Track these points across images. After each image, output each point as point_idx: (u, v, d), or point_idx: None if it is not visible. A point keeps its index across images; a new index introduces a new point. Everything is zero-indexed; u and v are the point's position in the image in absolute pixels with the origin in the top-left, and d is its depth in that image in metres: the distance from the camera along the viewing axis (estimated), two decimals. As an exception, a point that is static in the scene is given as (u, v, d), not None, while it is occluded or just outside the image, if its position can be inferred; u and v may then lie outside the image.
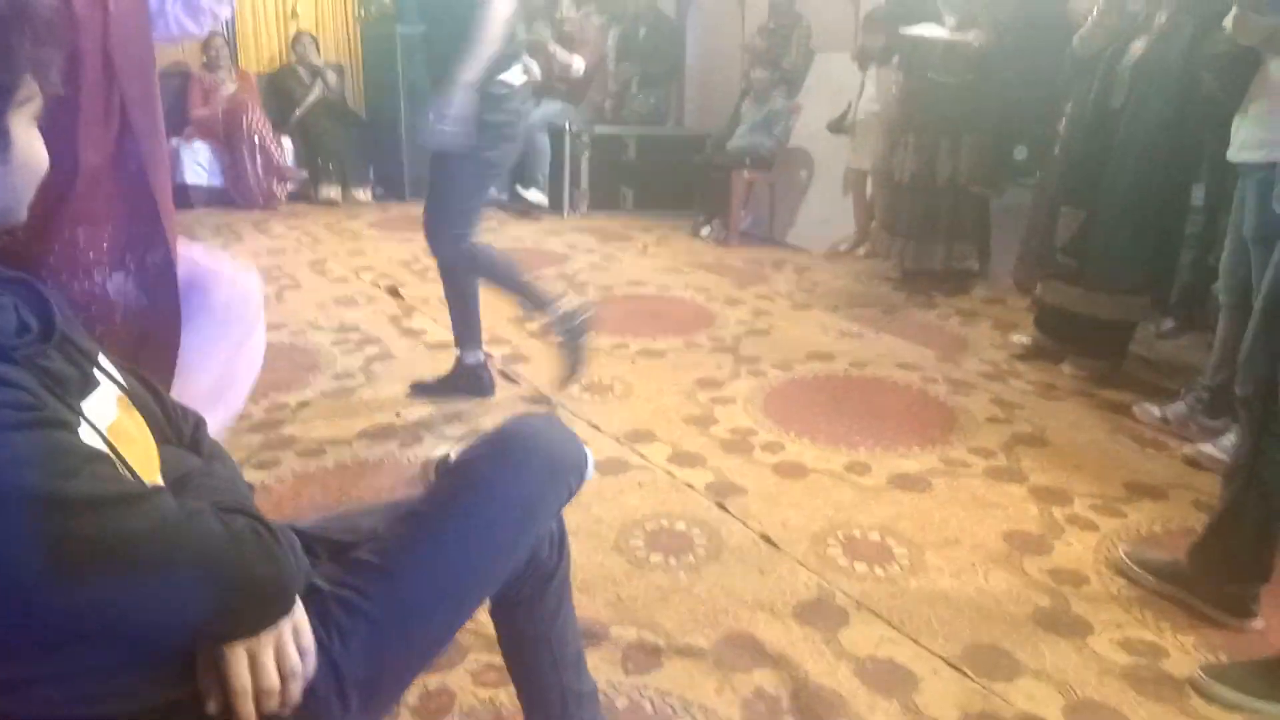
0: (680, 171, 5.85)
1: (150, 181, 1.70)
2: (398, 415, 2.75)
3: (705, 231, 5.40)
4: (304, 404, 2.82)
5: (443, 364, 3.16)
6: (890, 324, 3.76)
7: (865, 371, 3.19)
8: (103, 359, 0.94)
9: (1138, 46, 2.84)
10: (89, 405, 0.84)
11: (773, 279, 4.47)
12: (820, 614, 1.84)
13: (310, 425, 2.68)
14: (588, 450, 1.27)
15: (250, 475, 2.35)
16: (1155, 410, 2.76)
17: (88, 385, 0.87)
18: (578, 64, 5.76)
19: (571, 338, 2.75)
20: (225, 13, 1.91)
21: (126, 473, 0.81)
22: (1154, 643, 1.77)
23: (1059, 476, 2.44)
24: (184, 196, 5.69)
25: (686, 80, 6.69)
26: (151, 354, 1.75)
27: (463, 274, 2.83)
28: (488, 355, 2.99)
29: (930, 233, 4.05)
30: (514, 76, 2.63)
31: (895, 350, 3.42)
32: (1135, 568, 1.93)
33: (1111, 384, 3.06)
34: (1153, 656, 1.73)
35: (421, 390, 2.91)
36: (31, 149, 0.82)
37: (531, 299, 2.80)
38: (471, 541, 1.01)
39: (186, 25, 1.84)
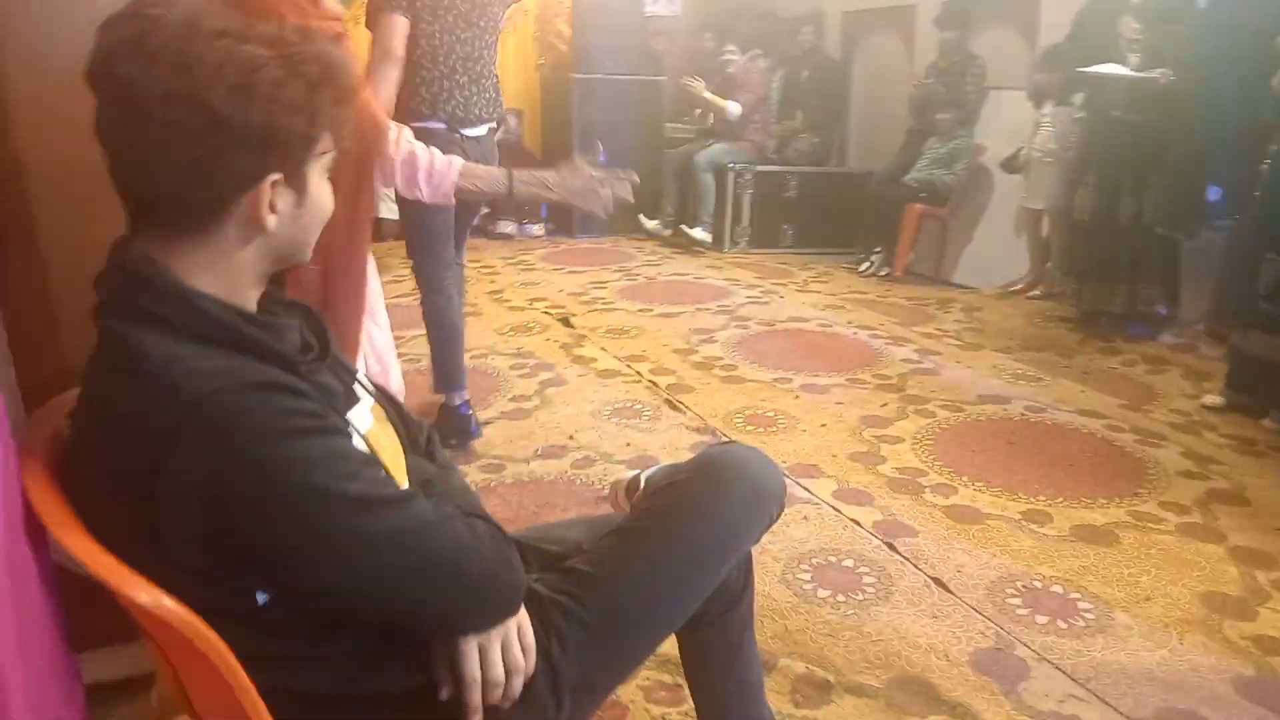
0: (840, 209, 5.84)
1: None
2: (570, 438, 2.89)
3: (864, 267, 5.35)
4: (485, 423, 3.01)
5: (612, 390, 3.30)
6: (1068, 369, 3.59)
7: (1043, 416, 3.07)
8: (361, 376, 1.08)
9: None
10: (354, 416, 0.97)
11: (939, 318, 4.37)
12: (999, 664, 1.79)
13: (490, 442, 2.85)
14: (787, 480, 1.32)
15: (438, 487, 2.55)
16: (1377, 472, 2.51)
17: (351, 399, 1.00)
18: (733, 108, 5.90)
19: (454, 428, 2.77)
20: (420, 190, 1.80)
21: (386, 473, 0.94)
22: (1380, 725, 1.61)
23: (1262, 538, 2.26)
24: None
25: (850, 120, 6.67)
26: None
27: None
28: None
29: (1110, 274, 3.88)
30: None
31: (1075, 396, 3.27)
32: (1358, 643, 1.77)
33: (1322, 440, 2.81)
34: (1379, 740, 1.58)
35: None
36: (323, 196, 0.94)
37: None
38: (680, 559, 1.08)
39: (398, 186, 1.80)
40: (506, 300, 4.62)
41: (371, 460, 0.88)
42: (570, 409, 3.13)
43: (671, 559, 1.07)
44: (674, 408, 3.15)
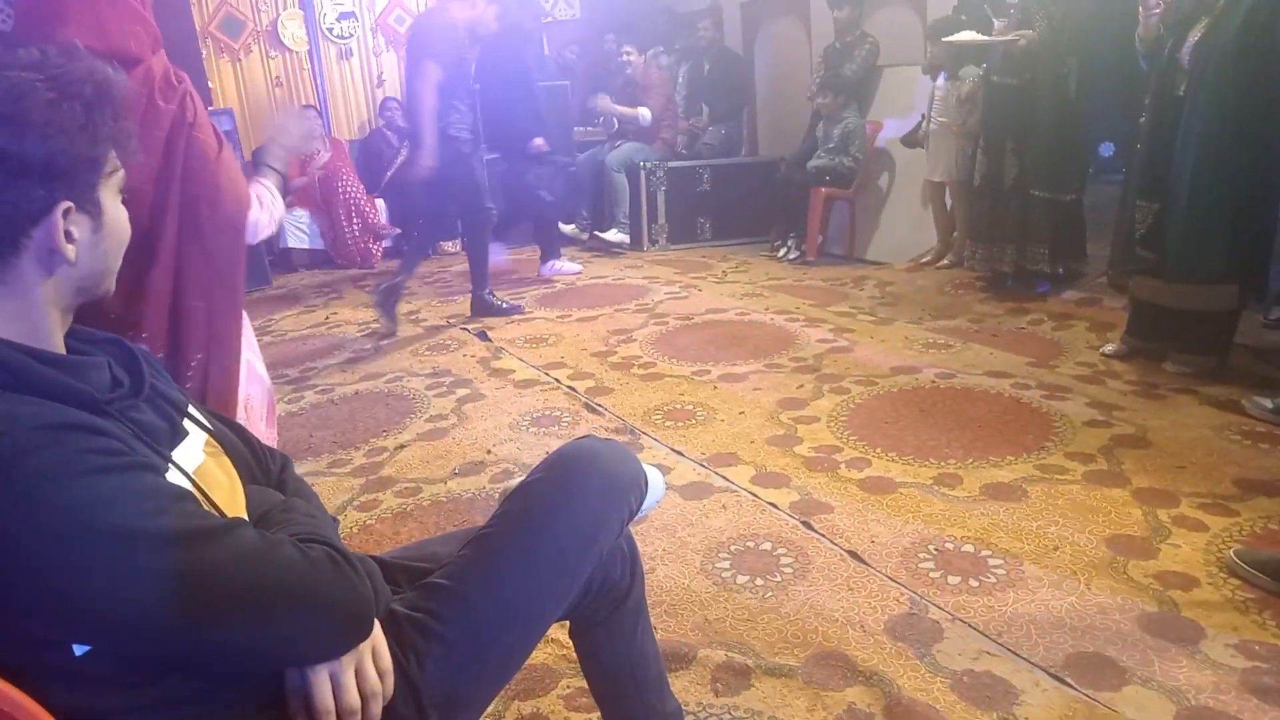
0: (755, 198, 5.89)
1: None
2: (488, 452, 2.84)
3: (782, 252, 5.41)
4: (401, 446, 2.95)
5: (530, 400, 3.27)
6: (978, 333, 3.67)
7: (953, 382, 3.12)
8: (193, 409, 1.03)
9: (1196, 32, 2.74)
10: (179, 453, 0.92)
11: (854, 295, 4.43)
12: (913, 629, 1.80)
13: (407, 466, 2.80)
14: (657, 471, 1.30)
15: (353, 516, 2.48)
16: (1267, 402, 2.61)
17: (177, 435, 0.95)
18: (644, 114, 5.91)
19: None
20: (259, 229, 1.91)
21: (212, 510, 0.89)
22: (1275, 645, 1.66)
23: (1164, 478, 2.33)
24: (287, 261, 6.06)
25: (757, 109, 6.73)
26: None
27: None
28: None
29: (999, 235, 3.98)
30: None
31: (984, 359, 3.34)
32: (1248, 568, 1.83)
33: (1218, 379, 2.91)
34: (1275, 660, 1.63)
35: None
36: (119, 218, 0.91)
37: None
38: (535, 562, 1.05)
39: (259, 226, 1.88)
40: (423, 320, 4.55)
41: (185, 495, 0.84)
42: (488, 423, 3.09)
43: (526, 563, 1.05)
44: (593, 411, 3.13)
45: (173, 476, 0.86)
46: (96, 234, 0.87)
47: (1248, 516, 2.11)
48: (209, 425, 1.04)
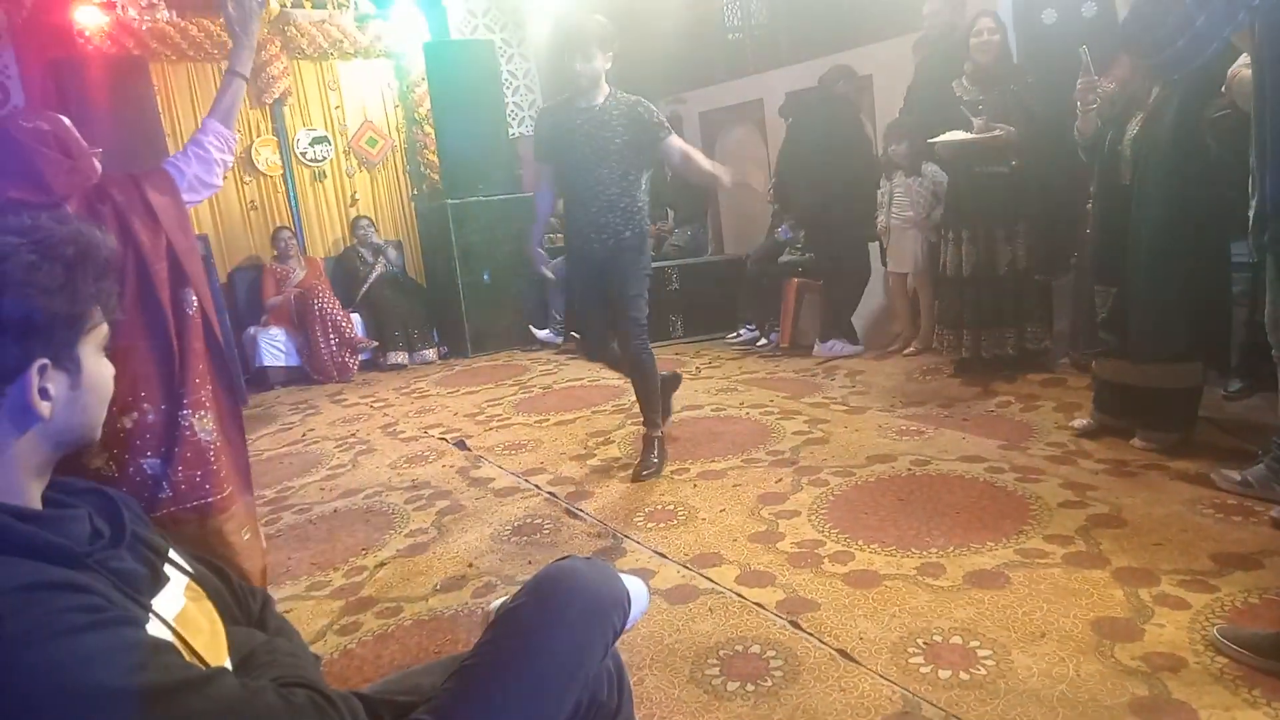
0: (723, 294, 6.04)
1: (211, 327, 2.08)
2: (470, 566, 2.81)
3: (751, 338, 5.53)
4: (381, 564, 2.91)
5: (511, 508, 3.26)
6: (949, 418, 3.73)
7: (929, 469, 3.16)
8: (173, 553, 1.04)
9: (1135, 123, 2.92)
10: (159, 601, 0.93)
11: (826, 386, 4.50)
12: (907, 728, 1.78)
13: (388, 585, 2.76)
14: (639, 581, 1.31)
15: (333, 640, 2.43)
16: (1235, 475, 2.67)
17: (158, 581, 0.96)
18: None
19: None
20: (229, 159, 2.20)
21: (193, 658, 0.89)
22: (1267, 724, 1.66)
23: (1142, 556, 2.35)
24: (263, 379, 6.06)
25: (720, 211, 6.97)
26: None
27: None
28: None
29: (998, 320, 4.06)
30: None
31: (957, 444, 3.39)
32: (1234, 646, 1.84)
33: (1185, 454, 2.97)
34: (1268, 740, 1.62)
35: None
36: (100, 373, 0.93)
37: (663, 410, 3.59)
38: (519, 694, 1.05)
39: (208, 181, 2.15)
40: (400, 432, 4.54)
41: (165, 647, 0.84)
42: (469, 535, 3.06)
43: (511, 695, 1.04)
44: (574, 516, 3.12)
45: (154, 627, 0.86)
46: (74, 390, 0.89)
47: (1227, 591, 2.13)
48: (189, 569, 1.04)
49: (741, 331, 5.70)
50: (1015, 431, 3.47)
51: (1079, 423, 3.33)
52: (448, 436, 4.33)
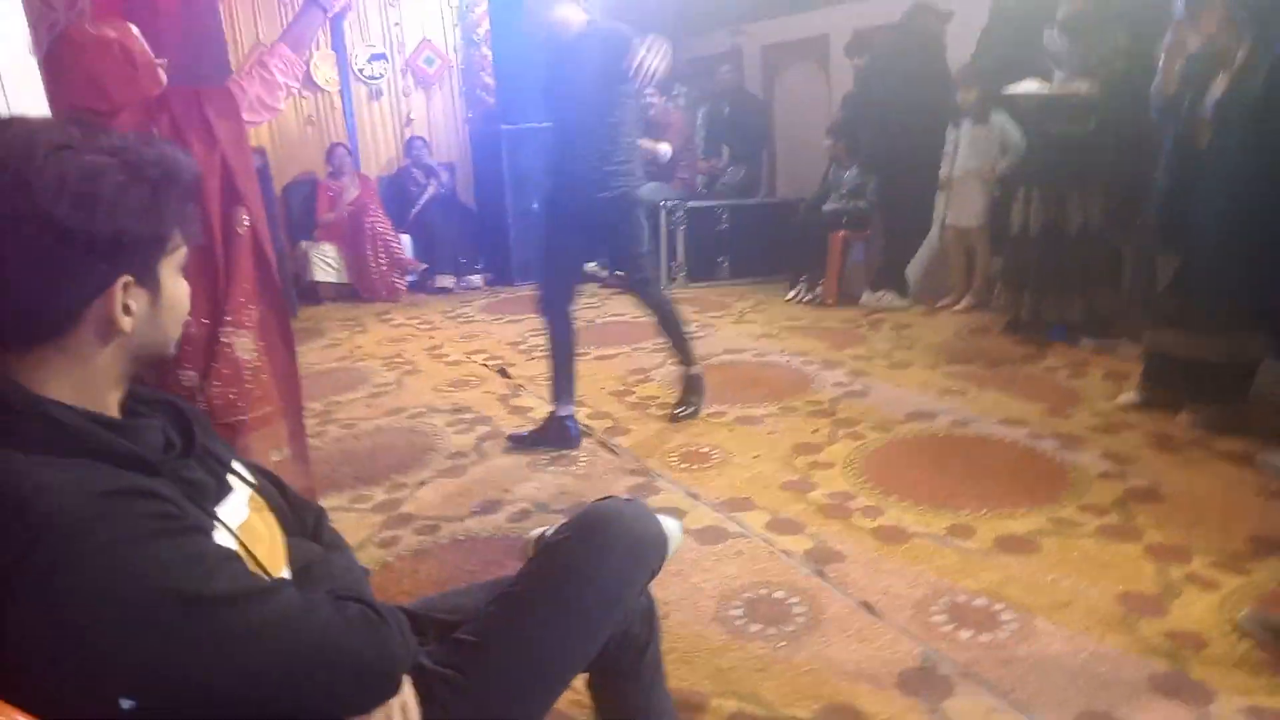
0: (773, 238, 5.97)
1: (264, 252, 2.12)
2: (507, 491, 2.89)
3: (796, 293, 5.44)
4: (421, 483, 3.01)
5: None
6: (994, 379, 3.69)
7: (968, 430, 3.14)
8: (236, 464, 1.09)
9: (1219, 85, 2.78)
10: (224, 509, 0.98)
11: (870, 339, 4.46)
12: (925, 684, 1.82)
13: (427, 503, 2.85)
14: (675, 521, 1.34)
15: (372, 552, 2.53)
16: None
17: (223, 491, 1.01)
18: (664, 150, 6.00)
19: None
20: (294, 85, 2.22)
21: (256, 568, 0.94)
22: (1286, 710, 1.67)
23: (1176, 533, 2.34)
24: (314, 293, 6.19)
25: (776, 151, 6.84)
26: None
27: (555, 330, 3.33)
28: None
29: (1064, 284, 3.96)
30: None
31: (1000, 406, 3.36)
32: (1260, 630, 1.84)
33: (1233, 432, 2.91)
34: (1285, 725, 1.64)
35: (517, 441, 3.25)
36: (178, 294, 0.96)
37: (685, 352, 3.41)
38: (560, 622, 1.10)
39: (269, 103, 2.16)
40: (445, 355, 4.62)
41: (232, 556, 0.89)
42: (507, 461, 3.14)
43: (552, 623, 1.09)
44: (610, 451, 3.17)
45: (220, 536, 0.92)
46: (154, 308, 0.92)
47: (1260, 576, 2.12)
48: (252, 480, 1.10)
49: (800, 290, 5.53)
50: (1060, 397, 3.43)
51: (1125, 397, 3.28)
52: (490, 363, 4.39)
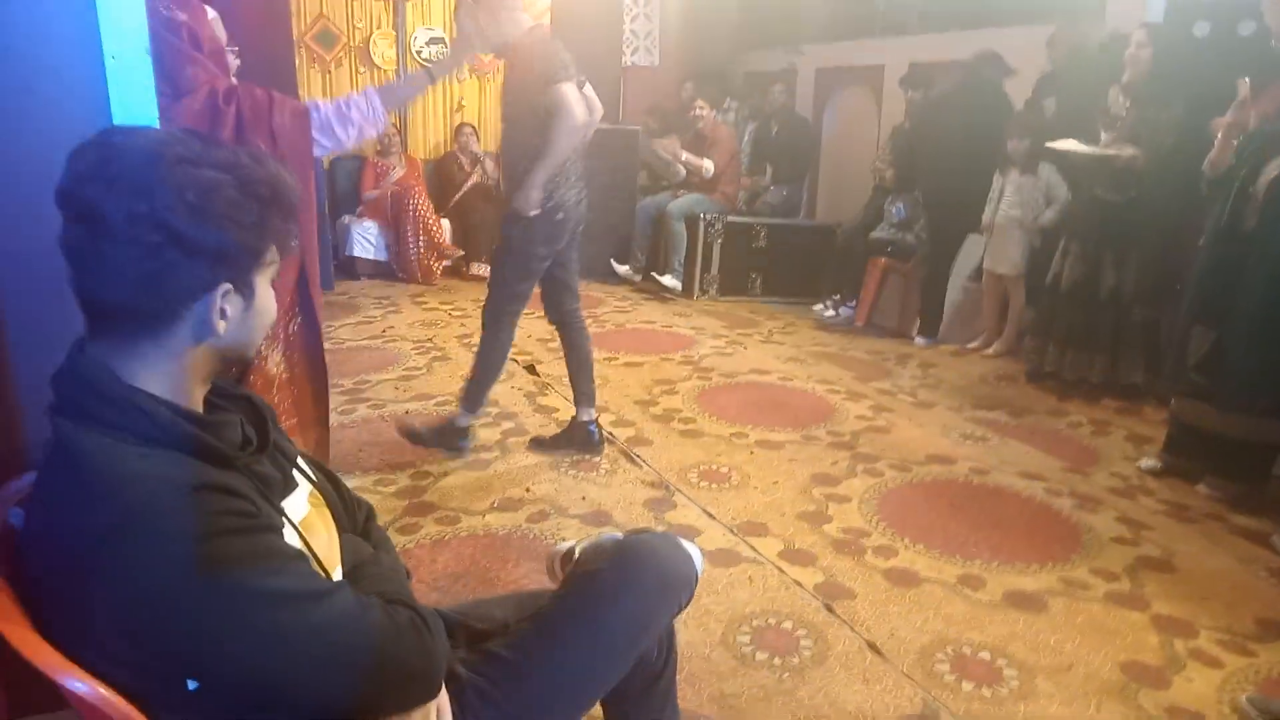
0: (808, 261, 6.01)
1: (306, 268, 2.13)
2: (527, 490, 2.95)
3: (830, 313, 5.46)
4: (445, 473, 3.07)
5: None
6: (1016, 429, 3.70)
7: (987, 479, 3.17)
8: (301, 460, 1.15)
9: (1273, 166, 2.78)
10: (289, 504, 1.04)
11: (896, 373, 4.49)
12: (922, 729, 1.86)
13: (449, 494, 2.91)
14: (698, 553, 1.39)
15: (393, 537, 2.59)
16: (1299, 543, 2.63)
17: (289, 486, 1.07)
18: (708, 165, 6.06)
19: (445, 441, 3.22)
20: (369, 131, 2.20)
21: (316, 565, 1.00)
22: (1277, 799, 1.70)
23: (1185, 606, 2.36)
24: (351, 268, 6.28)
25: (820, 174, 6.87)
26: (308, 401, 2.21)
27: (576, 337, 3.31)
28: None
29: (1090, 344, 3.99)
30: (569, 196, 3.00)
31: (1020, 457, 3.38)
32: (1261, 716, 1.86)
33: (1249, 509, 2.92)
34: (1275, 813, 1.66)
35: (538, 445, 3.29)
36: (268, 302, 1.02)
37: (471, 400, 3.24)
38: (591, 648, 1.16)
39: (337, 133, 2.14)
40: (475, 344, 4.67)
41: (299, 555, 0.95)
42: (530, 460, 3.20)
43: (582, 647, 1.15)
44: (631, 461, 3.23)
45: (287, 532, 0.98)
46: (246, 313, 0.98)
47: (1265, 659, 2.14)
48: (313, 476, 1.16)
49: (828, 305, 5.56)
50: (1081, 455, 3.44)
51: (1147, 462, 3.29)
52: (518, 359, 4.45)
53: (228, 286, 0.94)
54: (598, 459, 3.23)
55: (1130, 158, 3.71)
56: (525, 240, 2.98)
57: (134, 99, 1.35)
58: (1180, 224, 3.76)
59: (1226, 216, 2.93)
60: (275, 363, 2.16)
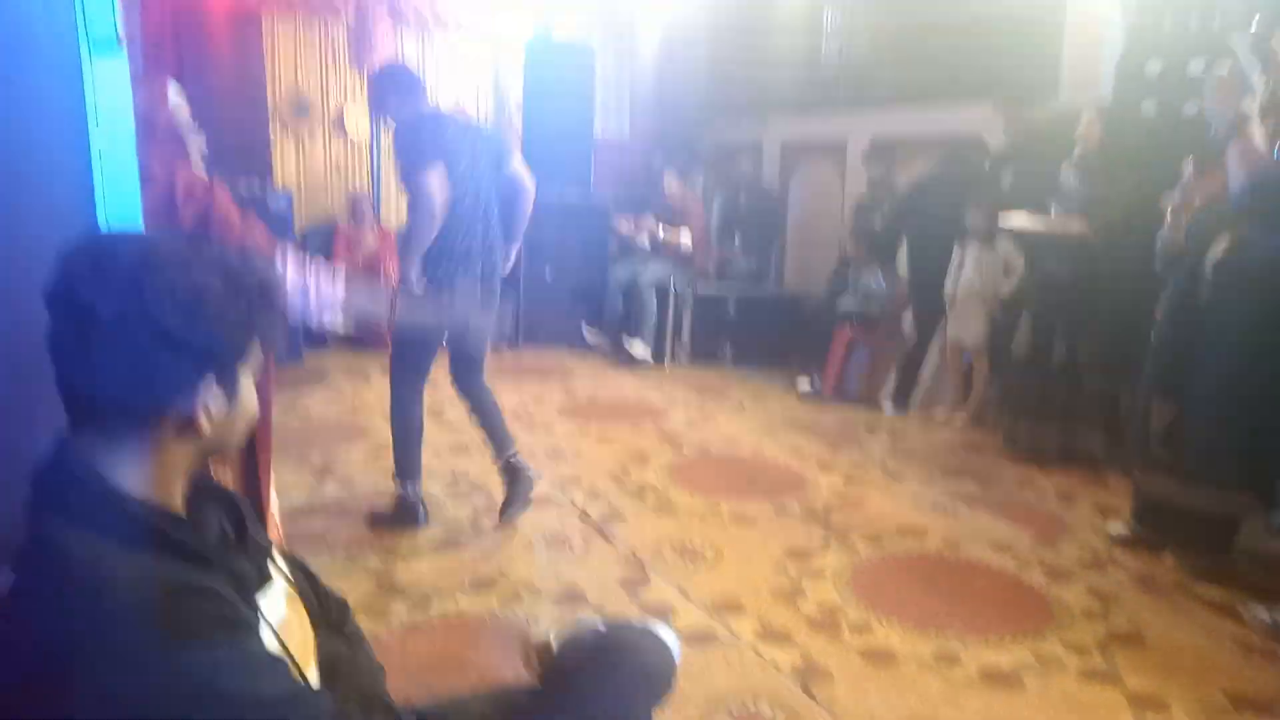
0: (777, 329, 6.11)
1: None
2: (501, 572, 2.92)
3: (807, 389, 5.52)
4: (414, 551, 3.03)
5: (544, 517, 3.36)
6: (984, 500, 3.75)
7: (958, 551, 3.19)
8: (275, 553, 1.14)
9: (1219, 245, 2.90)
10: (265, 600, 1.03)
11: (866, 443, 4.54)
12: (902, 817, 1.84)
13: (419, 574, 2.87)
14: (675, 641, 1.39)
15: (363, 622, 2.51)
16: (1264, 614, 2.67)
17: (264, 581, 1.06)
18: (686, 239, 6.19)
19: (401, 519, 3.23)
20: (316, 305, 2.14)
21: (292, 665, 0.99)
22: None
23: (1156, 681, 2.38)
24: (319, 337, 6.24)
25: (787, 244, 7.03)
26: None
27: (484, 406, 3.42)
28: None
29: (1043, 414, 4.10)
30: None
31: (990, 529, 3.42)
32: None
33: (1215, 580, 2.97)
34: None
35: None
36: (250, 396, 1.03)
37: (401, 468, 3.28)
38: None
39: (290, 275, 2.08)
40: (445, 417, 4.66)
41: (277, 659, 0.94)
42: (502, 537, 3.17)
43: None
44: (604, 538, 3.21)
45: (264, 632, 0.97)
46: (230, 409, 0.99)
47: (1236, 736, 2.16)
48: (286, 570, 1.15)
49: (806, 381, 5.60)
50: (1049, 525, 3.49)
51: (1115, 529, 3.35)
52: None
53: (213, 385, 0.95)
54: (571, 535, 3.20)
55: (1079, 232, 3.86)
56: (414, 316, 3.10)
57: (119, 192, 1.36)
58: (1132, 297, 3.88)
59: (1180, 294, 3.05)
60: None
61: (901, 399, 5.18)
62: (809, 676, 2.35)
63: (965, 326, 4.74)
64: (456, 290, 3.10)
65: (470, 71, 7.10)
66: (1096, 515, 3.60)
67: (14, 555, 0.91)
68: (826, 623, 2.64)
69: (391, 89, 3.11)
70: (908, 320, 5.31)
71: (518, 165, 3.28)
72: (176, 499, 0.99)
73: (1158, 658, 2.51)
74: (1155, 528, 3.22)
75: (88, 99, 1.38)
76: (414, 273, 3.03)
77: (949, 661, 2.45)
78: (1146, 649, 2.56)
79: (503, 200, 3.27)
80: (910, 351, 5.23)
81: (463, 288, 3.12)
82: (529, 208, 3.35)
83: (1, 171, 1.26)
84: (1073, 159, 4.01)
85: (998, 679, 2.37)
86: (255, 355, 1.01)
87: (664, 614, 2.65)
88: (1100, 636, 2.62)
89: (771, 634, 2.56)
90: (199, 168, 2.18)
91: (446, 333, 3.25)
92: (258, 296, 0.97)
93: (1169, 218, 3.13)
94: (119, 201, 1.45)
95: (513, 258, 3.43)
